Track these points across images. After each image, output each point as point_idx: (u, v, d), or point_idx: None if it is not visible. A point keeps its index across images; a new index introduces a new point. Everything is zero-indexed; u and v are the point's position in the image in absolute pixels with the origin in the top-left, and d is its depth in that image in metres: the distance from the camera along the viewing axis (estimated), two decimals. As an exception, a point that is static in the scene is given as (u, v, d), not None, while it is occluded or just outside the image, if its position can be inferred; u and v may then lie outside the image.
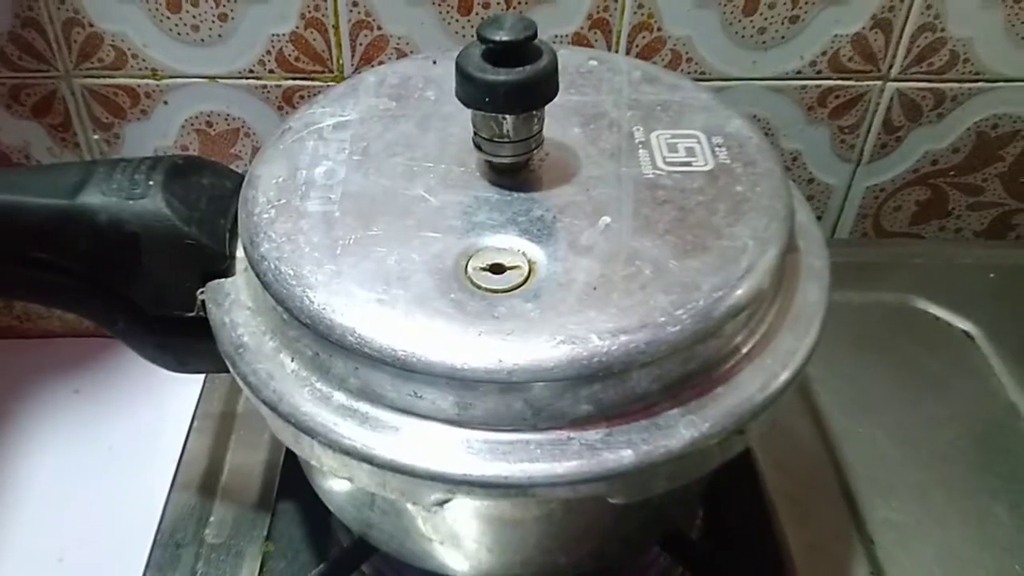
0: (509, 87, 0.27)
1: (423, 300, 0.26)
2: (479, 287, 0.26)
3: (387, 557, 0.37)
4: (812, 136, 0.51)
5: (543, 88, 0.28)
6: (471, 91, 0.27)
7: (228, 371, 0.32)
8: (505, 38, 0.27)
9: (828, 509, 0.40)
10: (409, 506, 0.31)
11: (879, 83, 0.49)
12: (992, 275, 0.51)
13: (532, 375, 0.25)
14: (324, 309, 0.26)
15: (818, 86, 0.49)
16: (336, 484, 0.34)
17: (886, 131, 0.51)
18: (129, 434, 0.44)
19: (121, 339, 0.34)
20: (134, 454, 0.44)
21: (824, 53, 0.48)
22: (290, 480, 0.41)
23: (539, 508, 0.30)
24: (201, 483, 0.41)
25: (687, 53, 0.47)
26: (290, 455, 0.41)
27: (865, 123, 0.51)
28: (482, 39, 0.27)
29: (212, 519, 0.39)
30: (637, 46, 0.47)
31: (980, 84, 0.49)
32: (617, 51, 0.47)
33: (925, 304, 0.48)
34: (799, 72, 0.49)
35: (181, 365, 0.35)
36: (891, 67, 0.48)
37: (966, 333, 0.47)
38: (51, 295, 0.33)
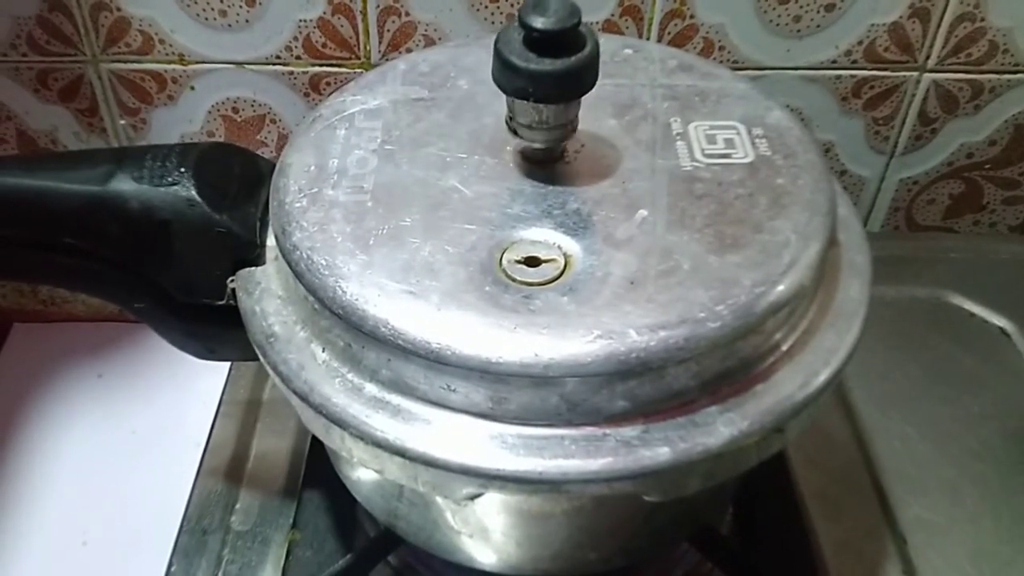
0: (554, 78, 0.26)
1: (457, 292, 0.26)
2: (514, 280, 0.26)
3: (414, 548, 0.37)
4: (846, 127, 0.50)
5: (587, 77, 0.27)
6: (513, 80, 0.27)
7: (256, 360, 0.32)
8: (550, 26, 0.26)
9: (860, 506, 0.39)
10: (438, 499, 0.31)
11: (915, 74, 0.48)
12: None
13: (568, 370, 0.24)
14: (357, 300, 0.26)
15: (853, 76, 0.48)
16: (364, 475, 0.34)
17: (921, 123, 0.50)
18: (152, 418, 0.44)
19: (149, 325, 0.34)
20: (157, 438, 0.44)
21: (860, 43, 0.47)
22: (316, 468, 0.41)
23: (569, 503, 0.30)
24: (227, 470, 0.41)
25: (720, 41, 0.47)
26: (316, 444, 0.41)
27: (900, 114, 0.50)
28: (524, 25, 0.26)
29: (238, 506, 0.39)
30: (669, 33, 0.46)
31: (1020, 75, 0.48)
32: (648, 39, 0.47)
33: (960, 300, 0.47)
34: (834, 62, 0.48)
35: (209, 353, 0.35)
36: (928, 57, 0.47)
37: (1001, 330, 0.46)
38: (80, 281, 0.33)
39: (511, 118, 0.28)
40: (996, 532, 0.38)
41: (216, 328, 0.33)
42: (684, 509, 0.33)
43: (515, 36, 0.27)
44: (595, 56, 0.27)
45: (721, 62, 0.47)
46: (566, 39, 0.26)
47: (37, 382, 0.47)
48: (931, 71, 0.48)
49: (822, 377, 0.27)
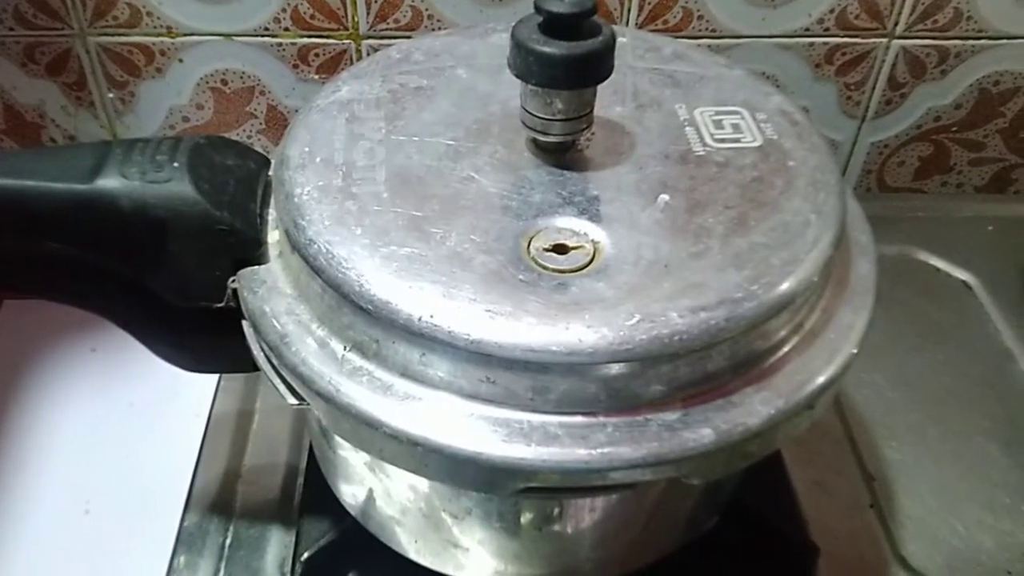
0: (572, 61, 0.26)
1: (491, 282, 0.25)
2: (545, 268, 0.26)
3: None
4: (819, 93, 0.52)
5: (602, 63, 0.27)
6: (529, 63, 0.26)
7: (245, 370, 0.31)
8: (566, 10, 0.26)
9: (831, 448, 0.41)
10: (443, 515, 0.30)
11: (885, 40, 0.49)
12: (991, 227, 0.53)
13: (613, 355, 0.24)
14: (387, 294, 0.25)
15: (826, 43, 0.49)
16: (359, 489, 0.33)
17: (891, 88, 0.52)
18: (149, 391, 0.44)
19: (135, 336, 0.32)
20: (155, 410, 0.44)
21: (832, 11, 0.48)
22: (314, 484, 0.39)
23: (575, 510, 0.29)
24: (230, 449, 0.40)
25: (698, 11, 0.47)
26: (312, 457, 0.39)
27: (871, 80, 0.51)
28: (541, 10, 0.26)
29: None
30: (649, 3, 0.47)
31: (983, 41, 0.50)
32: (629, 10, 0.47)
33: (926, 256, 0.50)
34: (807, 29, 0.49)
35: (197, 364, 0.33)
36: (896, 24, 0.49)
37: (964, 283, 0.49)
38: (64, 290, 0.30)
39: (525, 110, 0.28)
40: (956, 469, 0.41)
41: (207, 336, 0.31)
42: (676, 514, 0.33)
43: (532, 24, 0.27)
44: (611, 44, 0.27)
45: (700, 31, 0.48)
46: (582, 24, 0.26)
47: (31, 359, 0.46)
48: (900, 38, 0.49)
49: (844, 354, 0.27)
